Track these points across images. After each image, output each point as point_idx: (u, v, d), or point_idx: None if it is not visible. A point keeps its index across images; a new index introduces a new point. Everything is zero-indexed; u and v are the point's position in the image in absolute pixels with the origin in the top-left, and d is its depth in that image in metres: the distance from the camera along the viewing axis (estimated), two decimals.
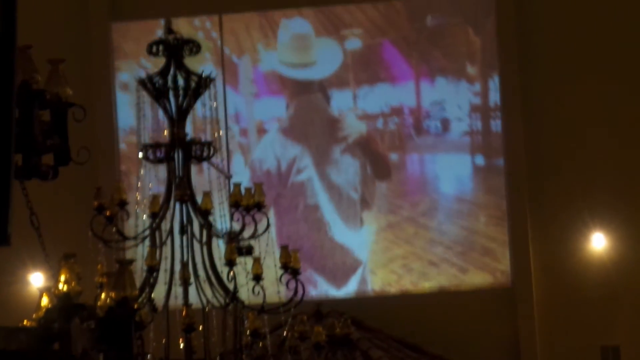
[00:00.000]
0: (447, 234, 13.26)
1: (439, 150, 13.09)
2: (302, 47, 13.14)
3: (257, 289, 7.14)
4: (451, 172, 13.18)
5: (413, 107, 13.11)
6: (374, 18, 13.15)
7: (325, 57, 13.26)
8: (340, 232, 13.25)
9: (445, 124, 13.03)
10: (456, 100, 13.07)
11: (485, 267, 13.34)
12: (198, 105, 7.18)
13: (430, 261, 13.40)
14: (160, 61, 7.20)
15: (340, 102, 13.31)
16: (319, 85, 13.31)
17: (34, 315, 5.60)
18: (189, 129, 7.24)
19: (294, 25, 13.32)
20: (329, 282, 13.22)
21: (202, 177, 7.58)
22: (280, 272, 7.23)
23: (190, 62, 7.20)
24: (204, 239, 7.09)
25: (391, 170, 13.15)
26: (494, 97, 13.03)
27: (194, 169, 7.21)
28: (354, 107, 13.22)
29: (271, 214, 12.63)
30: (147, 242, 7.05)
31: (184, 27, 11.44)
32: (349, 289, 13.30)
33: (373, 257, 13.44)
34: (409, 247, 13.35)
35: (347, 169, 13.17)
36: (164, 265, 7.01)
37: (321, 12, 13.30)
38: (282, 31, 13.30)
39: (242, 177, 12.69)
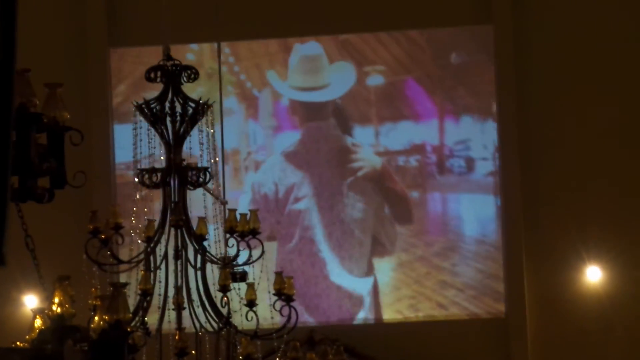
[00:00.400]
0: (460, 275, 13.19)
1: (462, 190, 12.98)
2: (313, 70, 13.12)
3: (250, 314, 7.17)
4: (473, 213, 13.13)
5: (436, 145, 13.05)
6: (398, 55, 13.19)
7: (338, 79, 13.17)
8: (339, 273, 13.10)
9: (470, 163, 13.03)
10: (482, 139, 13.09)
11: (499, 312, 13.28)
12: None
13: (439, 303, 13.37)
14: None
15: (362, 138, 13.17)
16: (333, 111, 13.24)
17: (27, 337, 5.63)
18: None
19: (305, 48, 13.29)
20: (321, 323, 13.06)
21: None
22: (274, 298, 7.27)
23: (211, 93, 7.23)
24: (199, 264, 7.13)
25: (412, 212, 12.93)
26: None
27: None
28: (376, 144, 13.10)
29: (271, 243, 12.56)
30: (141, 266, 7.08)
31: (207, 60, 11.44)
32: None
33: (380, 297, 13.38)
34: (419, 287, 13.26)
35: (354, 204, 12.99)
36: (158, 290, 7.05)
37: (343, 47, 13.23)
38: (293, 55, 13.33)
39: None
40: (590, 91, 13.45)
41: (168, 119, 7.12)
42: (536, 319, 13.28)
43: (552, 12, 13.54)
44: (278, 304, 7.21)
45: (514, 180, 13.41)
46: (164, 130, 7.13)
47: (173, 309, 7.09)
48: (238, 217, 7.17)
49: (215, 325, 7.12)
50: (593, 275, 13.25)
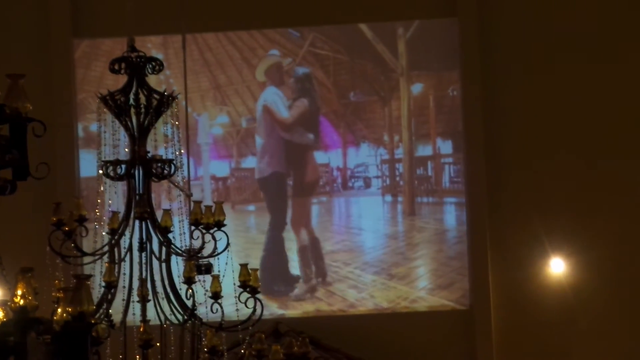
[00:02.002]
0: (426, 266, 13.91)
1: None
2: None
3: (215, 306, 7.15)
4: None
5: (341, 167, 14.31)
6: None
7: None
8: None
9: (367, 181, 14.25)
10: (375, 162, 14.27)
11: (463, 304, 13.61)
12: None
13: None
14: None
15: None
16: None
17: None
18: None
19: None
20: None
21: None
22: (239, 290, 7.25)
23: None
24: (163, 256, 7.10)
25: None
26: (399, 152, 14.13)
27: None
28: None
29: None
30: (105, 258, 7.05)
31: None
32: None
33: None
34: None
35: None
36: (122, 282, 7.01)
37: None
38: None
39: None
40: (553, 86, 13.54)
41: (132, 110, 7.08)
42: (500, 310, 13.35)
43: (517, 5, 13.62)
44: (243, 296, 7.20)
45: (479, 174, 13.52)
46: (129, 122, 7.10)
47: (137, 301, 7.06)
48: (203, 209, 7.15)
49: (180, 317, 7.10)
50: (556, 266, 13.35)
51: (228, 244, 7.17)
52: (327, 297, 13.82)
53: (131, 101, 7.08)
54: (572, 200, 13.40)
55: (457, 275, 13.73)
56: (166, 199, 7.65)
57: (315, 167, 14.18)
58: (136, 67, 7.11)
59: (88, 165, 13.36)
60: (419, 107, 14.18)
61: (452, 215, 14.08)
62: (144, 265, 7.08)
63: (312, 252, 14.03)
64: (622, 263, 13.32)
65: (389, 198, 14.22)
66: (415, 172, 14.18)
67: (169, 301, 7.09)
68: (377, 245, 14.15)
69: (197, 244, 7.13)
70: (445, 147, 14.15)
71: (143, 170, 7.11)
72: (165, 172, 7.13)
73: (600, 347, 13.26)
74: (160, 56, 13.60)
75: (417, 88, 14.21)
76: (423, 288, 13.80)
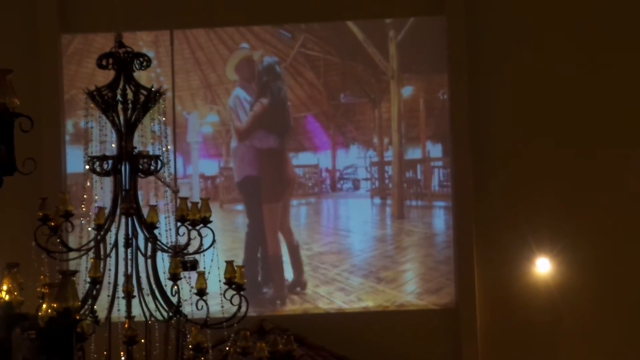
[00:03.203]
0: (411, 265, 13.94)
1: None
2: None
3: (200, 303, 7.15)
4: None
5: (330, 169, 14.38)
6: (300, 95, 14.32)
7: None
8: None
9: (356, 183, 14.32)
10: (364, 164, 14.32)
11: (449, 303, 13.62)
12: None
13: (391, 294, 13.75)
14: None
15: None
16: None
17: None
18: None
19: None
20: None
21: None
22: (224, 287, 7.25)
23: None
24: (149, 252, 7.10)
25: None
26: (388, 155, 14.20)
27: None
28: None
29: None
30: (91, 254, 7.04)
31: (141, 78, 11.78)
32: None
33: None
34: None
35: None
36: (108, 278, 7.01)
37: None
38: None
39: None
40: (541, 87, 13.58)
41: (120, 106, 7.08)
42: (486, 309, 13.38)
43: (505, 5, 13.66)
44: (229, 293, 7.20)
45: (465, 174, 13.56)
46: (116, 118, 7.10)
47: (123, 298, 7.06)
48: (189, 205, 7.15)
49: (165, 313, 7.09)
50: (542, 266, 13.38)
51: (214, 241, 7.18)
52: (314, 299, 13.82)
53: (118, 97, 7.08)
54: (558, 200, 13.45)
55: (445, 280, 13.74)
56: (154, 196, 7.65)
57: (285, 170, 14.10)
58: (124, 62, 7.11)
59: (77, 161, 13.35)
60: (409, 110, 14.20)
61: (441, 220, 14.09)
62: (129, 262, 7.08)
63: (292, 259, 14.01)
64: (607, 263, 13.36)
65: (377, 201, 14.24)
66: (404, 175, 14.20)
67: (154, 297, 7.09)
68: (366, 248, 14.15)
69: (183, 240, 7.13)
70: (435, 150, 14.16)
71: (130, 166, 7.11)
72: (152, 168, 7.13)
73: (586, 346, 13.30)
74: (151, 54, 13.69)
75: (407, 91, 14.24)
76: (411, 292, 13.81)
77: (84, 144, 7.12)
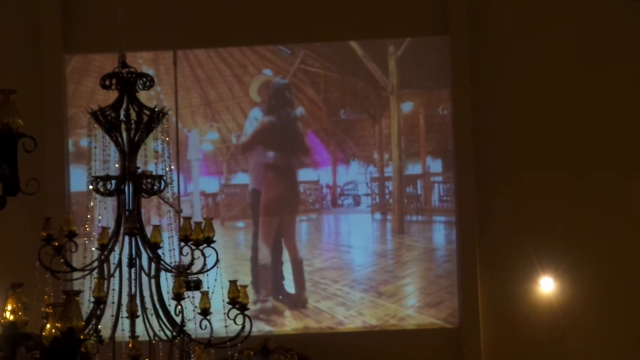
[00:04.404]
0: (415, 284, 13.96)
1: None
2: None
3: (204, 323, 7.15)
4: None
5: (331, 185, 14.38)
6: (300, 112, 14.35)
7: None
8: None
9: (357, 199, 14.32)
10: (365, 180, 14.33)
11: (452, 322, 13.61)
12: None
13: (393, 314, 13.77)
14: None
15: None
16: None
17: None
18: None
19: None
20: None
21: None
22: (228, 306, 7.25)
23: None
24: (153, 272, 7.10)
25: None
26: (388, 170, 14.22)
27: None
28: None
29: None
30: (94, 273, 7.05)
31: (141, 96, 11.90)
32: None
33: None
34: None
35: None
36: (112, 298, 7.01)
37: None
38: None
39: None
40: (543, 105, 13.58)
41: (123, 126, 7.09)
42: (490, 329, 13.36)
43: (508, 24, 13.69)
44: (232, 313, 7.20)
45: (469, 192, 13.57)
46: (119, 138, 7.11)
47: (127, 317, 7.05)
48: (192, 225, 7.15)
49: (169, 333, 7.09)
50: (546, 285, 13.36)
51: (217, 261, 7.17)
52: (315, 314, 13.82)
53: (122, 117, 7.09)
54: (562, 219, 13.43)
55: (445, 294, 13.74)
56: (156, 215, 7.65)
57: (289, 186, 14.16)
58: (127, 83, 7.12)
59: (78, 180, 13.36)
60: (409, 126, 14.22)
61: (441, 234, 14.10)
62: (133, 281, 7.08)
63: (294, 275, 14.03)
64: (611, 282, 13.34)
65: (378, 216, 14.25)
66: (404, 190, 14.21)
67: (158, 317, 7.08)
68: (366, 263, 14.16)
69: (186, 260, 7.13)
70: (435, 165, 14.18)
71: (133, 186, 7.11)
72: (155, 188, 7.13)
73: None
74: (151, 72, 13.74)
75: (407, 106, 14.26)
76: (412, 306, 13.81)
77: (87, 163, 7.13)
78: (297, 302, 13.91)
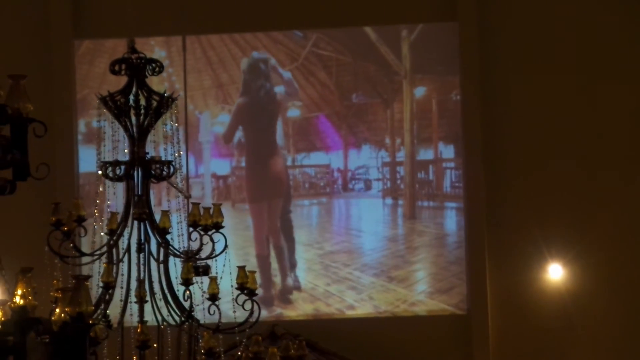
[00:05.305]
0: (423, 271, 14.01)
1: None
2: None
3: (212, 308, 7.16)
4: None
5: (342, 169, 14.37)
6: (312, 95, 14.30)
7: None
8: None
9: (368, 183, 14.28)
10: (376, 164, 14.29)
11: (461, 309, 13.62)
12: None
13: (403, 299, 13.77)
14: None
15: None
16: None
17: None
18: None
19: None
20: None
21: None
22: (236, 292, 7.27)
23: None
24: (161, 257, 7.11)
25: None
26: (400, 155, 14.17)
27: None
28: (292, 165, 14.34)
29: None
30: (103, 258, 7.06)
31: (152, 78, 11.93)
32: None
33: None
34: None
35: None
36: (120, 282, 7.03)
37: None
38: None
39: None
40: (553, 92, 13.55)
41: (132, 111, 7.10)
42: (498, 316, 13.36)
43: (517, 11, 13.65)
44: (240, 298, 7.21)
45: (477, 179, 13.56)
46: (128, 123, 7.11)
47: (135, 302, 7.07)
48: (201, 210, 7.16)
49: (177, 318, 7.11)
50: (555, 272, 13.35)
51: (226, 246, 7.18)
52: (325, 297, 13.83)
53: (131, 102, 7.09)
54: (571, 205, 13.42)
55: (456, 280, 13.74)
56: (166, 200, 7.66)
57: (273, 169, 14.11)
58: (136, 68, 7.12)
59: (89, 160, 13.38)
60: (422, 111, 14.20)
61: (452, 220, 14.09)
62: (142, 266, 7.09)
63: (278, 262, 13.99)
64: (620, 269, 13.32)
65: (389, 201, 14.24)
66: (416, 175, 14.19)
67: (167, 302, 7.10)
68: (377, 248, 14.16)
69: (195, 245, 7.14)
70: (447, 151, 14.16)
71: (142, 171, 7.12)
72: (164, 173, 7.14)
73: (598, 353, 13.27)
74: (163, 53, 13.74)
75: (420, 91, 14.23)
76: (422, 292, 13.81)
77: (97, 147, 7.14)
78: (284, 291, 13.85)
